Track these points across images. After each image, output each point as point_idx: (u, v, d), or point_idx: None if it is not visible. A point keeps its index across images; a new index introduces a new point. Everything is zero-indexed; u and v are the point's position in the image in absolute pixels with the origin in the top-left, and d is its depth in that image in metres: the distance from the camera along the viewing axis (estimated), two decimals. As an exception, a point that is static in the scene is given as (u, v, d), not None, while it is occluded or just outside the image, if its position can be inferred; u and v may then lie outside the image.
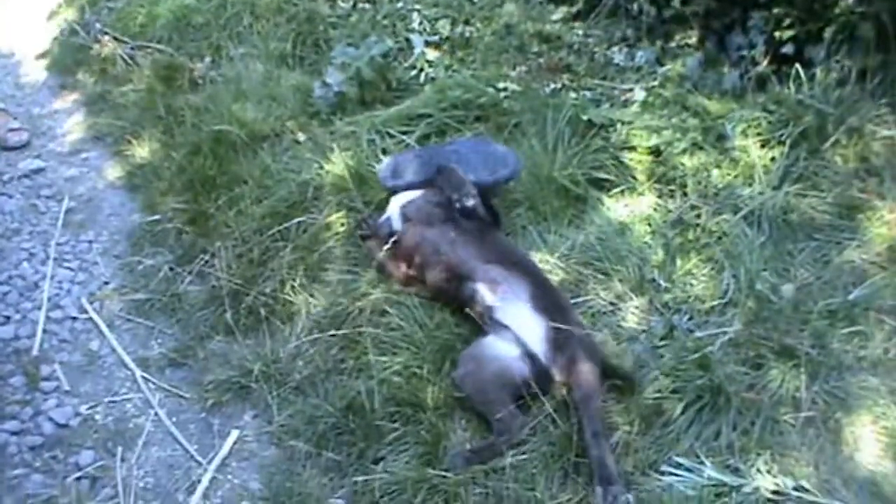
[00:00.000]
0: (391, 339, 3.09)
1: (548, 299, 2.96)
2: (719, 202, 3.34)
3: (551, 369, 2.83)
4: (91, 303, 3.73)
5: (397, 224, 3.34)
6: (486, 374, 2.84)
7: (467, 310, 3.05)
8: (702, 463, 2.58)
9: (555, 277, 3.19)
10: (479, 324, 3.02)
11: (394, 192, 3.48)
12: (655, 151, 3.56)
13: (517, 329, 2.90)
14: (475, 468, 2.69)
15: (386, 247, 3.28)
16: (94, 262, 3.98)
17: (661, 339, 2.95)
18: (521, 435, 2.75)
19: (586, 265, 3.22)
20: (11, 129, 4.90)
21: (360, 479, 2.77)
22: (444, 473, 2.66)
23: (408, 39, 4.64)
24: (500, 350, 2.90)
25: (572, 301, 3.11)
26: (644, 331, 2.99)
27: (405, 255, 3.25)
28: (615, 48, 4.31)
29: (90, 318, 3.65)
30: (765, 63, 3.68)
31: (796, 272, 3.10)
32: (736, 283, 3.08)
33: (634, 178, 3.52)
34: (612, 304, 3.10)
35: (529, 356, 2.85)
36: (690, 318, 3.01)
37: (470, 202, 3.25)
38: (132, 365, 3.41)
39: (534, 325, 2.89)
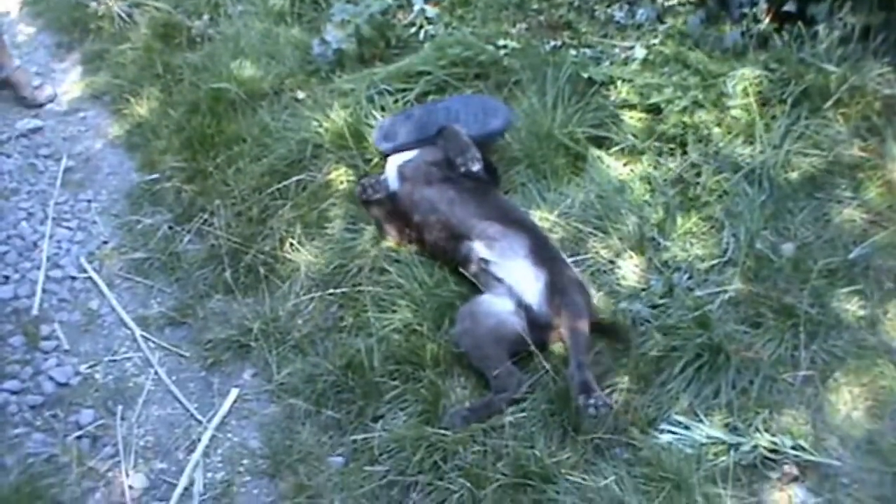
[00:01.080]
0: (390, 296, 3.10)
1: (545, 254, 2.96)
2: (720, 161, 3.32)
3: (544, 317, 2.85)
4: (90, 262, 3.73)
5: (394, 184, 3.33)
6: (483, 329, 2.85)
7: (463, 270, 3.07)
8: (700, 421, 2.59)
9: (554, 235, 3.19)
10: (476, 284, 3.02)
11: (388, 154, 3.47)
12: (656, 109, 3.54)
13: (513, 283, 2.92)
14: (474, 426, 2.70)
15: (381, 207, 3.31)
16: (93, 222, 3.98)
17: (661, 297, 2.95)
18: (519, 392, 2.76)
19: (586, 223, 3.22)
20: (36, 87, 4.87)
21: (359, 436, 2.79)
22: (442, 431, 2.67)
23: (407, -4, 4.60)
24: (495, 306, 2.92)
25: (572, 259, 3.10)
26: (643, 289, 2.99)
27: (403, 215, 3.25)
28: (616, 5, 4.26)
29: (89, 278, 3.66)
30: (766, 21, 3.64)
31: (796, 231, 3.09)
32: (736, 242, 3.07)
33: (634, 136, 3.50)
34: (611, 262, 3.10)
35: (524, 308, 2.88)
36: (690, 277, 3.00)
37: (475, 166, 3.24)
38: (132, 324, 3.42)
39: (530, 278, 2.91)
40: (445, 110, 3.51)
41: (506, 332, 2.85)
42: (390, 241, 3.31)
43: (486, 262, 2.99)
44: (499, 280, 2.96)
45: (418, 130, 3.46)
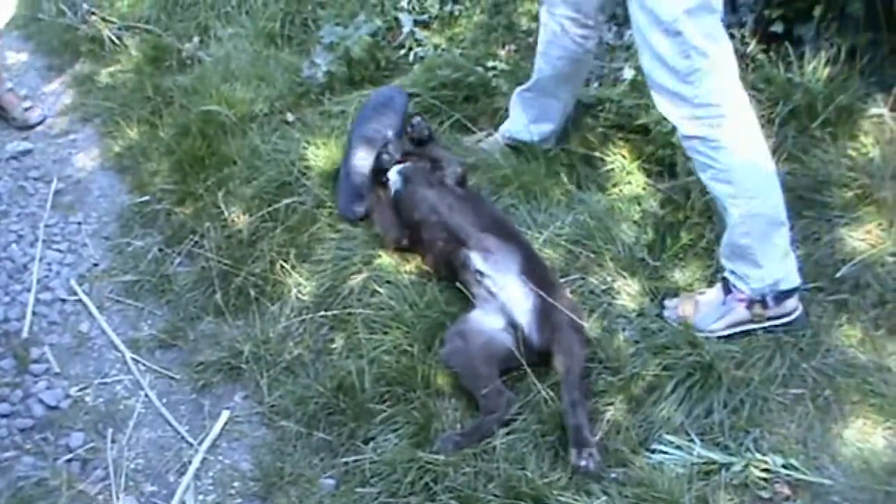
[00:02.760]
0: (381, 318, 3.09)
1: (536, 275, 2.96)
2: (709, 181, 3.34)
3: (535, 342, 2.85)
4: (80, 285, 3.73)
5: (398, 185, 3.37)
6: (472, 348, 2.85)
7: (459, 278, 3.08)
8: (692, 441, 2.59)
9: (545, 256, 3.19)
10: (468, 295, 3.03)
11: (360, 219, 3.52)
12: (644, 130, 3.55)
13: (505, 299, 2.92)
14: (465, 450, 2.69)
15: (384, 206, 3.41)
16: (84, 244, 3.98)
17: (652, 317, 2.95)
18: (509, 412, 2.75)
19: (576, 244, 3.22)
20: (26, 109, 4.88)
21: (350, 459, 2.78)
22: (434, 457, 2.67)
23: (396, 18, 4.61)
24: (485, 324, 2.92)
25: (563, 280, 3.11)
26: (635, 309, 2.99)
27: (405, 214, 3.29)
28: (604, 27, 4.29)
29: (80, 300, 3.65)
30: (754, 42, 3.67)
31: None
32: (725, 262, 3.08)
33: (624, 156, 3.52)
34: (603, 283, 3.10)
35: (513, 326, 2.88)
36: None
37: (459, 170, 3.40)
38: (122, 346, 3.41)
39: (521, 297, 2.91)
40: (360, 135, 3.64)
41: (496, 350, 2.85)
42: (387, 246, 3.35)
43: (480, 273, 3.00)
44: (492, 294, 2.96)
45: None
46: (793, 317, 2.87)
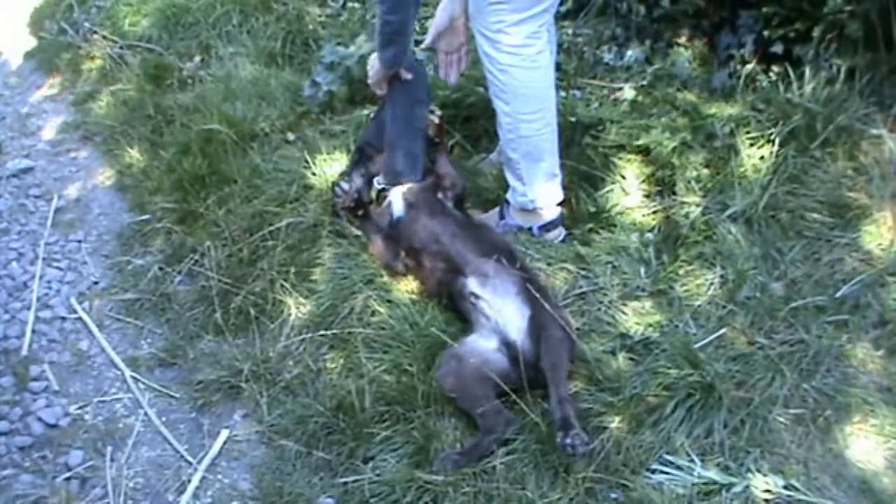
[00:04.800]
0: (381, 337, 3.09)
1: (532, 291, 2.96)
2: (709, 201, 3.35)
3: (528, 353, 2.84)
4: (80, 302, 3.72)
5: (399, 211, 3.35)
6: (467, 369, 2.84)
7: (456, 304, 3.09)
8: (692, 461, 2.58)
9: (544, 276, 3.19)
10: (466, 319, 3.04)
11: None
12: (645, 150, 3.56)
13: (500, 320, 2.93)
14: (464, 469, 2.68)
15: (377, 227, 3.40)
16: (84, 262, 3.98)
17: (652, 337, 2.95)
18: (508, 431, 2.75)
19: (576, 264, 3.22)
20: None
21: (349, 478, 2.77)
22: (432, 477, 2.66)
23: (397, 39, 4.62)
24: (480, 345, 2.92)
25: (563, 301, 3.11)
26: (635, 329, 2.99)
27: (403, 241, 3.28)
28: (605, 47, 4.30)
29: (79, 318, 3.65)
30: (754, 62, 3.68)
31: (786, 270, 3.10)
32: (725, 282, 3.08)
33: (624, 177, 3.52)
34: (602, 302, 3.10)
35: (507, 344, 2.88)
36: (681, 316, 3.01)
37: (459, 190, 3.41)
38: (122, 365, 3.41)
39: (516, 316, 2.92)
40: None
41: (491, 370, 2.84)
42: (383, 266, 3.34)
43: (476, 297, 3.00)
44: (487, 317, 2.96)
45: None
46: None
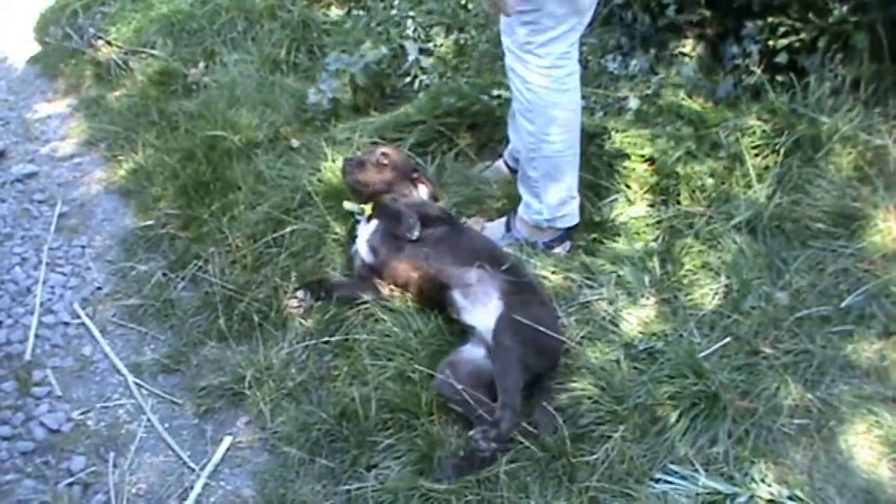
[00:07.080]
0: (385, 345, 3.08)
1: (514, 292, 2.99)
2: (713, 210, 3.35)
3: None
4: (84, 308, 3.72)
5: (368, 258, 3.32)
6: (460, 376, 2.86)
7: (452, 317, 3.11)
8: (696, 471, 2.58)
9: (549, 284, 3.19)
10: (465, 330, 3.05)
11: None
12: (650, 160, 3.56)
13: (481, 328, 2.96)
14: (468, 477, 2.68)
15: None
16: (87, 268, 3.98)
17: (657, 346, 2.94)
18: (509, 436, 2.74)
19: (580, 272, 3.22)
20: None
21: (353, 486, 2.76)
22: (436, 485, 2.65)
23: (402, 46, 4.63)
24: (472, 353, 2.95)
25: (568, 309, 3.10)
26: (639, 338, 2.99)
27: (386, 278, 3.27)
28: (609, 56, 4.30)
29: (83, 324, 3.65)
30: (759, 72, 3.68)
31: (791, 279, 3.10)
32: (730, 291, 3.08)
33: (629, 186, 3.52)
34: (607, 311, 3.09)
35: (489, 349, 2.91)
36: (685, 325, 3.00)
37: (414, 234, 3.22)
38: (125, 370, 3.41)
39: (493, 322, 2.93)
40: None
41: (484, 377, 2.87)
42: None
43: (460, 308, 3.04)
44: (472, 326, 3.00)
45: None
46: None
